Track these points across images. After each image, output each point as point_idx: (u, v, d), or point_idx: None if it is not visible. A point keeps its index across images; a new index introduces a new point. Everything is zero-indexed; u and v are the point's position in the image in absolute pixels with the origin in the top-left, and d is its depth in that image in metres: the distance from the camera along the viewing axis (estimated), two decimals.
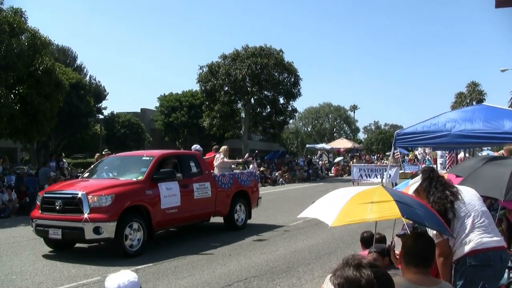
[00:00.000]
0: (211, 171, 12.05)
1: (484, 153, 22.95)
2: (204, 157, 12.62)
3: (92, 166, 12.09)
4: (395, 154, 30.22)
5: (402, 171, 29.46)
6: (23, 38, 21.26)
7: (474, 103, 58.77)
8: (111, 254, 9.43)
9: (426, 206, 3.70)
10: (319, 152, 42.75)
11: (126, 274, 2.72)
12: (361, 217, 3.40)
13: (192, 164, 11.10)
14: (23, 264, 8.64)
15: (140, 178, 9.74)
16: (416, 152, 34.86)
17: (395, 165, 25.46)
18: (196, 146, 13.00)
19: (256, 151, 39.96)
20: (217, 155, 12.89)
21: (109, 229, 8.65)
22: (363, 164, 26.09)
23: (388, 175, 21.45)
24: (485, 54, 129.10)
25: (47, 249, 9.63)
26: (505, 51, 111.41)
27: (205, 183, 10.99)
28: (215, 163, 12.71)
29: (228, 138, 49.62)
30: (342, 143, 46.67)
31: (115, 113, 49.54)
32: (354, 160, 34.20)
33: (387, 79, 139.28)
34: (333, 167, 40.01)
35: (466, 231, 3.85)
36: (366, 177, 23.36)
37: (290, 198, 20.79)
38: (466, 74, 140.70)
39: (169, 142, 52.26)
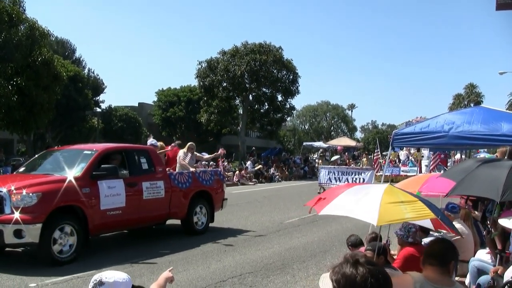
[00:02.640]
0: (168, 168, 10.94)
1: (481, 155, 22.91)
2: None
3: (31, 159, 11.00)
4: (375, 155, 29.16)
5: (380, 173, 28.28)
6: (22, 28, 21.21)
7: (471, 105, 58.95)
8: (106, 248, 9.45)
9: (435, 206, 4.02)
10: (320, 149, 42.26)
11: (121, 273, 2.74)
12: (401, 216, 3.68)
13: (143, 160, 9.88)
14: (19, 254, 8.62)
15: (77, 174, 8.54)
16: (401, 152, 31.20)
17: (370, 168, 22.87)
18: (152, 141, 11.70)
19: (253, 148, 40.08)
20: (179, 153, 11.66)
21: (32, 233, 7.52)
22: (332, 166, 23.16)
23: (362, 180, 20.08)
24: (483, 56, 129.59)
25: None
26: (504, 54, 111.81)
27: (157, 182, 9.84)
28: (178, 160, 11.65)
29: (226, 134, 49.66)
30: (344, 141, 46.21)
31: (112, 106, 49.43)
32: (320, 161, 28.36)
33: (386, 79, 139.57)
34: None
35: None
36: (336, 181, 20.85)
37: (286, 195, 20.81)
38: (464, 76, 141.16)
39: (167, 136, 52.18)
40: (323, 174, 21.41)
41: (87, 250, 8.86)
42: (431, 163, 24.01)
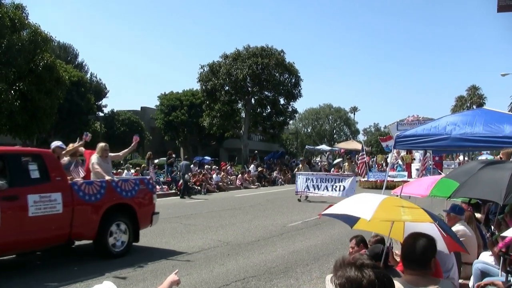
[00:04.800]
0: (70, 177, 8.89)
1: (483, 157, 22.71)
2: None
3: None
4: (361, 157, 27.49)
5: (366, 179, 26.54)
6: (24, 33, 21.30)
7: (474, 106, 59.00)
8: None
9: (441, 219, 4.10)
10: (328, 152, 41.68)
11: (107, 285, 2.66)
12: (397, 217, 3.74)
13: (32, 167, 7.75)
14: (24, 262, 8.64)
15: None
16: (390, 154, 28.27)
17: (351, 174, 20.70)
18: (57, 143, 9.66)
19: (255, 152, 40.10)
20: (92, 158, 9.62)
21: None
22: (311, 173, 21.32)
23: (343, 187, 18.49)
24: (486, 58, 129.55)
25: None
26: (506, 56, 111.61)
27: (52, 194, 7.73)
28: None
29: (228, 138, 49.71)
30: (353, 145, 46.04)
31: (115, 111, 49.58)
32: (300, 166, 24.27)
33: (388, 82, 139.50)
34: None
35: None
36: (314, 189, 19.22)
37: (289, 198, 20.76)
38: (466, 78, 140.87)
39: (169, 140, 52.32)
40: (300, 181, 19.60)
41: (89, 254, 8.85)
42: (421, 166, 22.40)
